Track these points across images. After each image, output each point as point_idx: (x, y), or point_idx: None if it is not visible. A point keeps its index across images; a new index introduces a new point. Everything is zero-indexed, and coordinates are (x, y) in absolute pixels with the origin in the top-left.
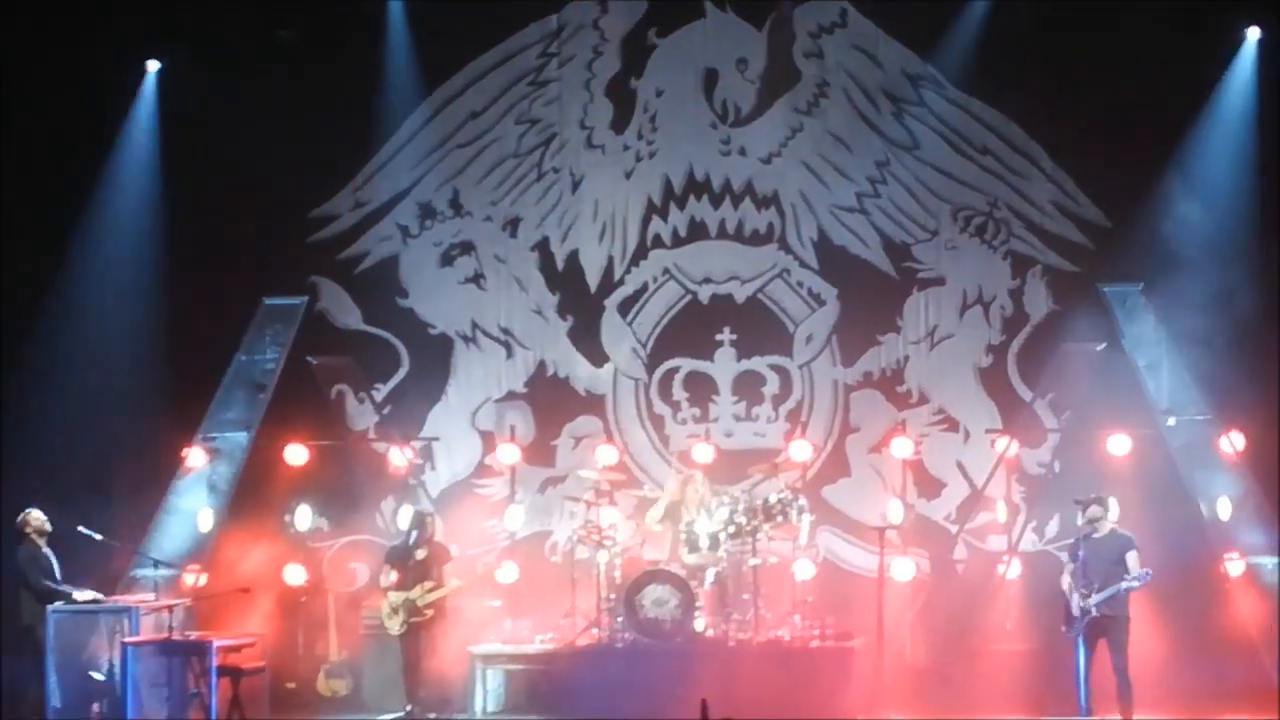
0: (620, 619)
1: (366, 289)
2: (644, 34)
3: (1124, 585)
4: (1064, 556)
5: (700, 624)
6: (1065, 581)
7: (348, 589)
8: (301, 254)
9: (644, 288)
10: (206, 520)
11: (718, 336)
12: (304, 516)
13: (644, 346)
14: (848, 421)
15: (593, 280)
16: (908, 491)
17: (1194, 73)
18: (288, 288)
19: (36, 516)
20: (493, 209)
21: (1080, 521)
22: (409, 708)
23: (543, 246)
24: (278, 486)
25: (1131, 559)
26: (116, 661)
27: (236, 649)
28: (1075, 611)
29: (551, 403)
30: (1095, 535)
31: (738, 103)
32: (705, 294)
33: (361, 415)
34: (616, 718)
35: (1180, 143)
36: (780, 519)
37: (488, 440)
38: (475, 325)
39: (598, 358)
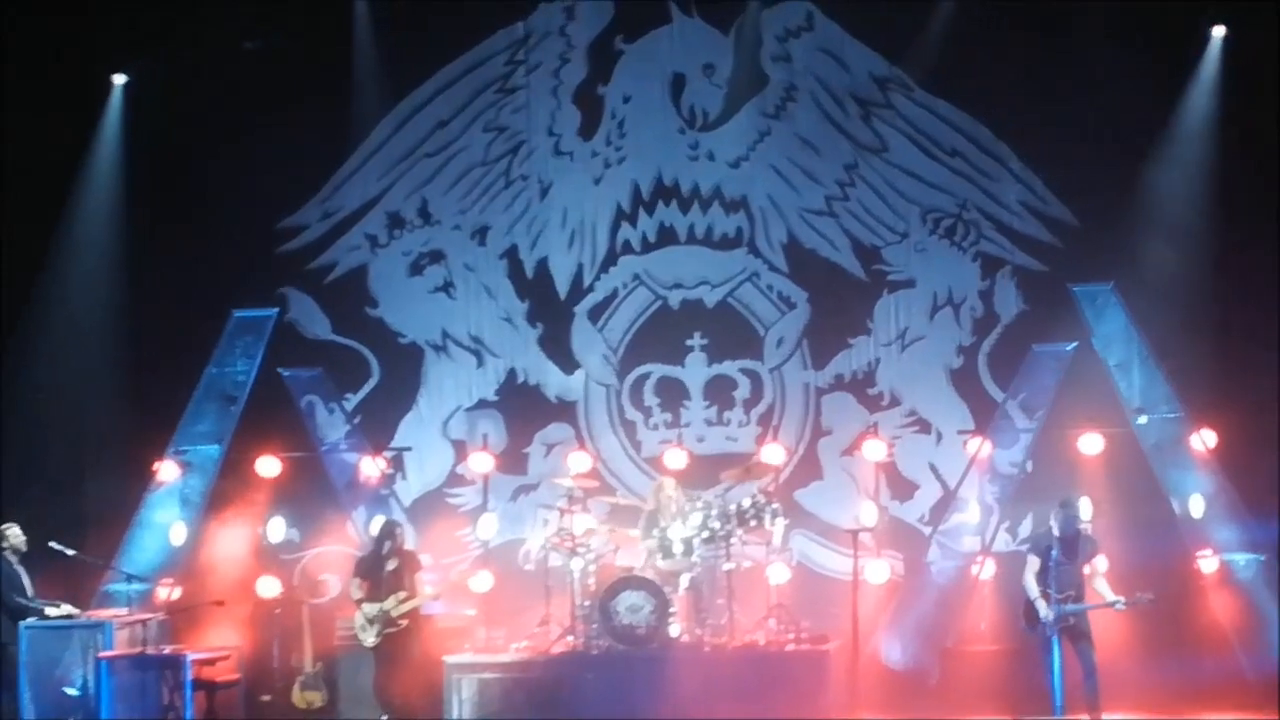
0: (595, 626)
1: (336, 299)
2: (611, 40)
3: (1119, 602)
4: (1027, 552)
5: (675, 630)
6: (1029, 580)
7: (320, 600)
8: (270, 265)
9: (614, 294)
10: (179, 534)
11: (688, 342)
12: (277, 528)
13: (615, 353)
14: (819, 425)
15: (562, 287)
16: (880, 494)
17: (1160, 71)
18: (257, 299)
19: (15, 534)
20: (461, 217)
21: (1054, 521)
22: (384, 718)
23: (512, 254)
24: (250, 499)
25: (1099, 563)
26: (91, 677)
27: (211, 662)
28: (1047, 614)
29: (523, 410)
30: (1068, 536)
31: (705, 107)
32: (675, 299)
33: (332, 425)
34: None
35: (1147, 141)
36: (753, 523)
37: (459, 449)
38: (445, 334)
39: (568, 365)
